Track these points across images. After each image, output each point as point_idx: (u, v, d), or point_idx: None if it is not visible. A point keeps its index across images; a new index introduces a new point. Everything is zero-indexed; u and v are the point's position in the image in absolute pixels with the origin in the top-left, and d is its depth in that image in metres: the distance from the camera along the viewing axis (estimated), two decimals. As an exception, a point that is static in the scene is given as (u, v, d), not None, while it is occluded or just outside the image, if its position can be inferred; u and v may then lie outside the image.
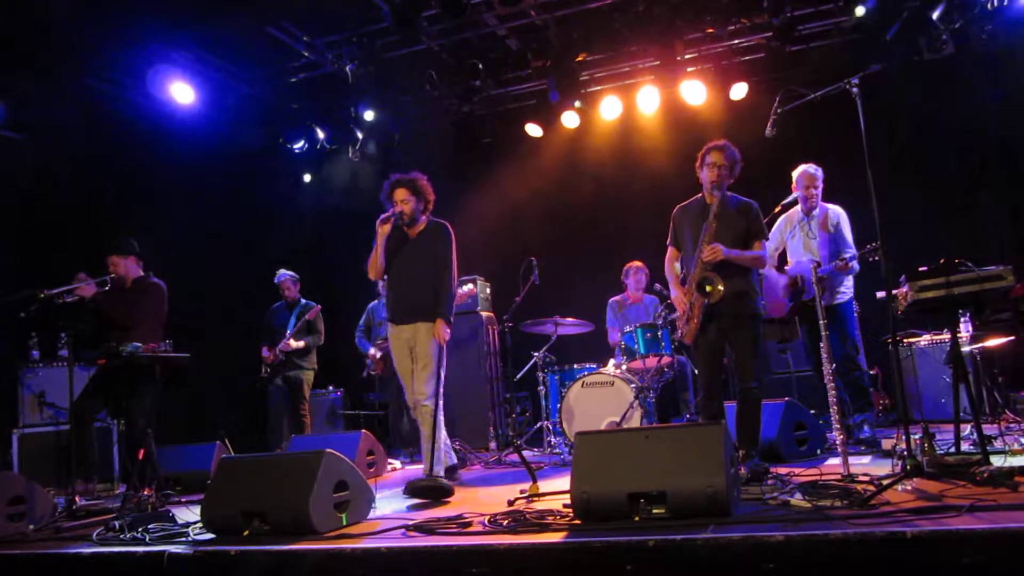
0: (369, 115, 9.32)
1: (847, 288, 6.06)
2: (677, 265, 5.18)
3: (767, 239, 5.06)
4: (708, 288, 4.69)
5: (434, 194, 5.69)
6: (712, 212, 4.79)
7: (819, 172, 6.10)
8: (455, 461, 5.70)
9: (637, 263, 7.76)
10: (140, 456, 5.11)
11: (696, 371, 6.18)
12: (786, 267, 6.27)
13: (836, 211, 6.09)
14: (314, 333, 7.98)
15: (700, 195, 5.02)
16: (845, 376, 5.80)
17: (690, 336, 4.95)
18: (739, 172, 4.92)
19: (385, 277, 5.71)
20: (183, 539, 3.97)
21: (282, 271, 8.19)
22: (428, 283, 5.49)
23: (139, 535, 4.02)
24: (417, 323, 5.47)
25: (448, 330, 5.44)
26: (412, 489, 4.79)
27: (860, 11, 7.57)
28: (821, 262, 5.71)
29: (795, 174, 6.15)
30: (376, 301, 8.02)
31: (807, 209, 6.12)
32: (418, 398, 5.41)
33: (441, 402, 5.38)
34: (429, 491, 4.79)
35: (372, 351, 7.86)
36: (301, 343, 7.86)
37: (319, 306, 8.03)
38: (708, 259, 4.71)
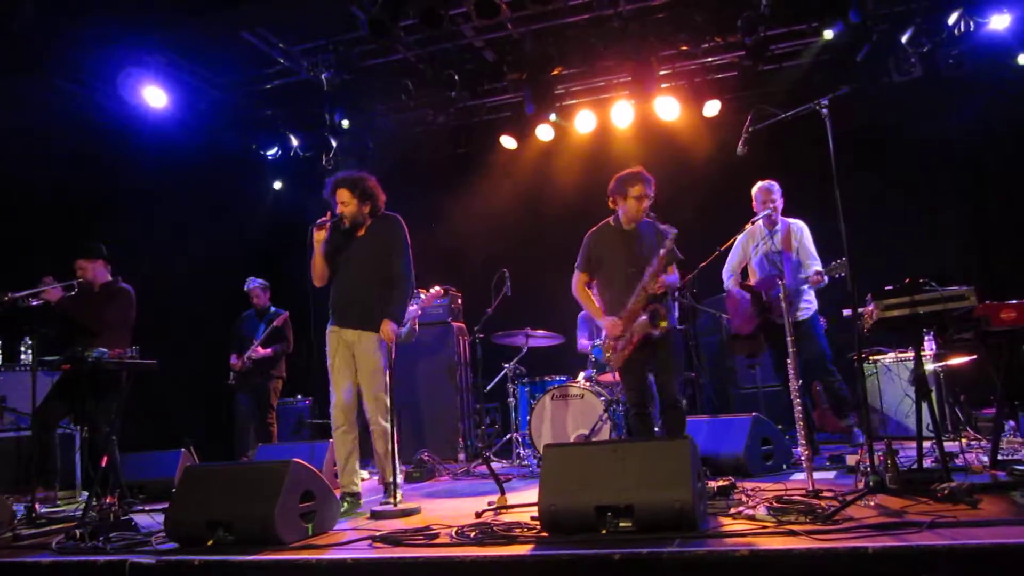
0: (344, 123, 9.30)
1: (809, 303, 6.15)
2: (593, 292, 5.22)
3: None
4: (661, 322, 4.82)
5: (384, 194, 5.23)
6: (666, 245, 4.87)
7: (775, 186, 6.22)
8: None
9: None
10: (103, 463, 5.03)
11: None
12: (748, 282, 6.34)
13: (799, 226, 6.20)
14: (282, 340, 7.92)
15: (609, 220, 5.13)
16: (827, 387, 6.00)
17: (619, 363, 5.00)
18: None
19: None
20: (146, 548, 3.89)
21: (252, 278, 8.14)
22: (375, 285, 5.03)
23: (100, 544, 3.95)
24: (361, 331, 5.00)
25: (396, 328, 4.95)
26: (380, 518, 4.59)
27: (828, 34, 7.71)
28: (784, 276, 5.81)
29: (753, 191, 6.27)
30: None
31: (769, 223, 6.21)
32: (368, 415, 5.03)
33: (392, 416, 4.97)
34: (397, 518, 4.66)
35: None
36: (269, 350, 7.80)
37: (287, 313, 7.98)
38: (658, 291, 4.82)
